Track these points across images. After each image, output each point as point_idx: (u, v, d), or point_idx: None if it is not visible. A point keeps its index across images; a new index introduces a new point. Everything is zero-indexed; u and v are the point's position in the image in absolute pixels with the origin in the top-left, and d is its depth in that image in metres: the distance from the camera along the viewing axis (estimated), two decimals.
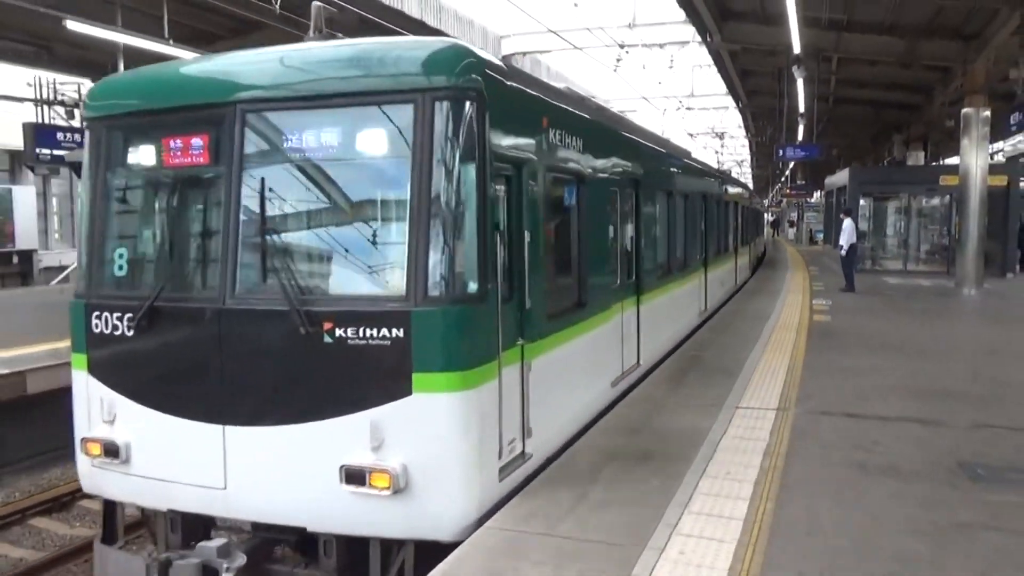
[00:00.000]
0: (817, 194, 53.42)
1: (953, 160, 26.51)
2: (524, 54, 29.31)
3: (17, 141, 21.82)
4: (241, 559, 4.85)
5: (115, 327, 5.47)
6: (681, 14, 21.55)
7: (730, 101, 37.51)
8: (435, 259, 4.81)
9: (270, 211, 5.17)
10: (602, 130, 8.22)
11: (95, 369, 5.60)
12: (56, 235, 32.49)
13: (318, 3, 6.12)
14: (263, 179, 5.14)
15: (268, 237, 5.15)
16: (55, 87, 23.67)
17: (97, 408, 5.55)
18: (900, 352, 11.24)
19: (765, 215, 53.39)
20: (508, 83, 5.61)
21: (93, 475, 5.67)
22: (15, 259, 29.17)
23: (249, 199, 5.16)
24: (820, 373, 9.66)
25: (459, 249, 4.88)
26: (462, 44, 5.28)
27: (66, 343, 5.99)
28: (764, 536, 4.85)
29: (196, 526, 5.46)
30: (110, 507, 5.91)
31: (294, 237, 5.34)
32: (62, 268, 27.20)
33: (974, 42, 19.13)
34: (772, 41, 20.91)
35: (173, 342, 5.33)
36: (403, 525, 4.85)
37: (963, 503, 5.44)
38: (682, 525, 5.00)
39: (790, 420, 7.51)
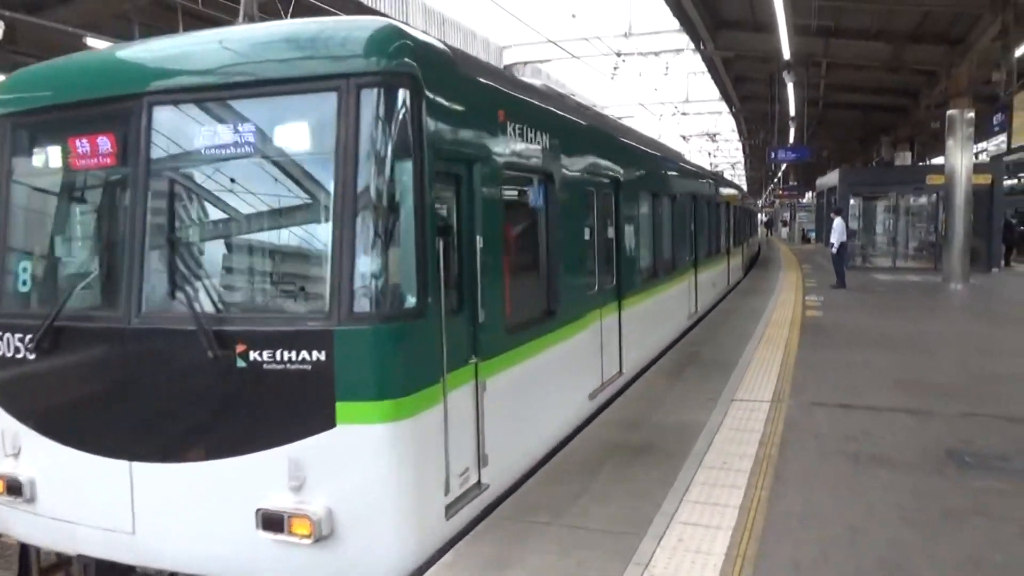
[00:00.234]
0: (809, 195, 53.31)
1: (939, 160, 26.42)
2: (525, 63, 29.33)
3: None
4: None
5: (16, 349, 4.70)
6: (676, 23, 21.58)
7: (724, 106, 37.50)
8: (363, 270, 4.07)
9: (180, 218, 4.50)
10: (576, 128, 7.49)
11: None
12: None
13: None
14: (172, 182, 4.47)
15: (177, 247, 4.47)
16: None
17: (0, 440, 4.81)
18: (890, 345, 11.21)
19: (759, 215, 53.31)
20: (453, 70, 4.88)
21: (1, 513, 4.91)
22: None
23: (156, 205, 4.45)
24: (813, 366, 9.64)
25: (392, 258, 4.15)
26: (395, 24, 4.47)
27: None
28: (759, 523, 4.84)
29: (113, 573, 4.72)
30: (25, 547, 5.15)
31: (206, 247, 4.60)
32: None
33: (958, 47, 19.10)
34: (763, 48, 20.87)
35: (76, 366, 4.58)
36: None
37: (951, 490, 5.43)
38: (680, 513, 4.99)
39: (784, 412, 7.49)
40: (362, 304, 4.06)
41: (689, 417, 7.31)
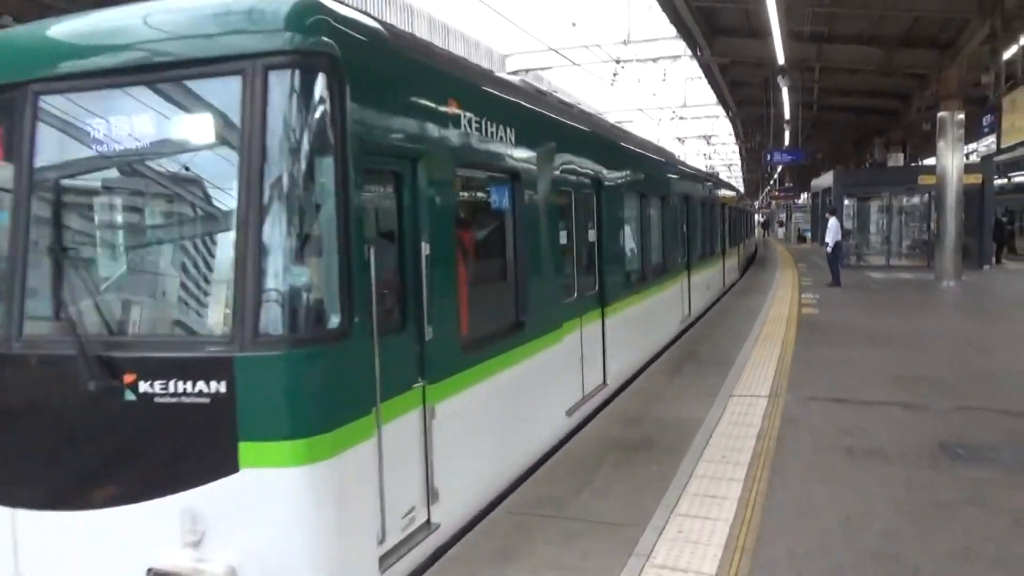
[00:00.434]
0: (804, 196, 53.23)
1: (931, 161, 26.35)
2: (527, 71, 29.34)
3: None
4: None
5: None
6: (673, 30, 21.54)
7: (721, 110, 37.45)
8: (272, 284, 3.39)
9: (67, 227, 3.85)
10: (549, 123, 6.73)
11: None
12: None
13: None
14: (58, 185, 3.81)
15: (63, 261, 3.76)
16: None
17: None
18: (884, 342, 11.18)
19: (756, 216, 53.21)
20: (389, 51, 4.15)
21: None
22: None
23: (41, 212, 3.77)
24: (809, 362, 9.62)
25: (309, 270, 3.48)
26: None
27: None
28: (757, 514, 4.84)
29: None
30: None
31: (96, 259, 3.96)
32: None
33: (948, 51, 19.06)
34: (758, 54, 20.85)
35: None
36: None
37: (944, 481, 5.41)
38: (680, 506, 4.99)
39: (781, 407, 7.48)
40: (270, 325, 3.37)
41: (688, 412, 7.30)
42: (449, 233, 4.65)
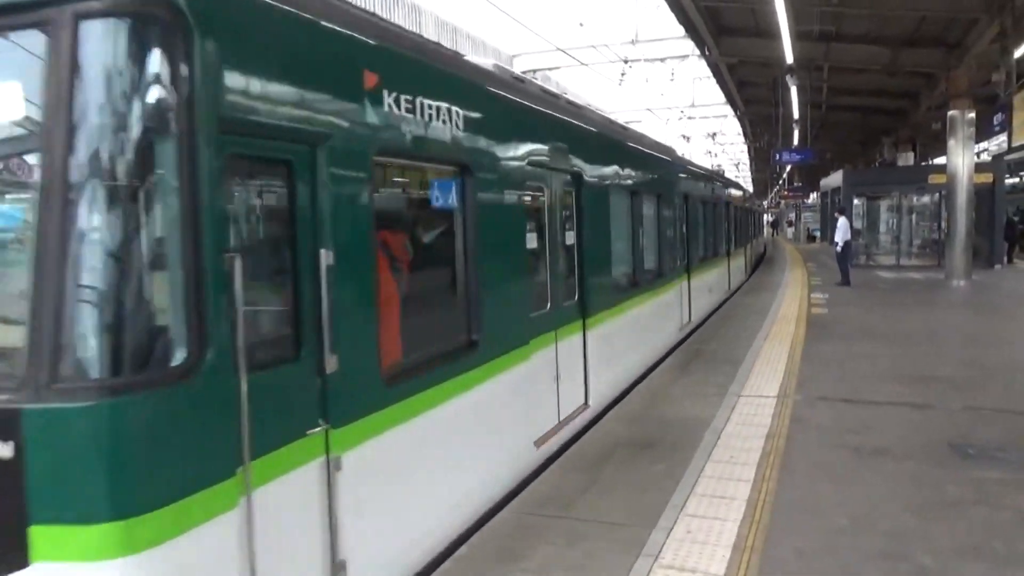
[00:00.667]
0: (813, 195, 53.06)
1: (941, 160, 26.24)
2: (535, 71, 29.35)
3: None
4: None
5: None
6: (681, 30, 21.50)
7: (729, 110, 37.38)
8: (80, 307, 2.51)
9: None
10: (515, 107, 5.86)
11: None
12: None
13: None
14: None
15: None
16: None
17: None
18: (893, 341, 11.13)
19: (765, 216, 53.04)
20: (267, 6, 3.20)
21: None
22: None
23: None
24: (818, 362, 9.59)
25: (135, 286, 2.61)
26: None
27: None
28: (766, 515, 4.83)
29: None
30: None
31: None
32: None
33: (955, 50, 18.97)
34: (766, 53, 20.79)
35: None
36: None
37: (953, 481, 5.39)
38: (688, 506, 4.98)
39: (790, 406, 7.46)
40: (74, 365, 2.48)
41: (696, 412, 7.29)
42: (363, 238, 3.73)
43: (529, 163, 5.90)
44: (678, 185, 12.06)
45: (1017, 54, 16.26)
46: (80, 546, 2.45)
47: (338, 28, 3.68)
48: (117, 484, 2.48)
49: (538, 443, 5.95)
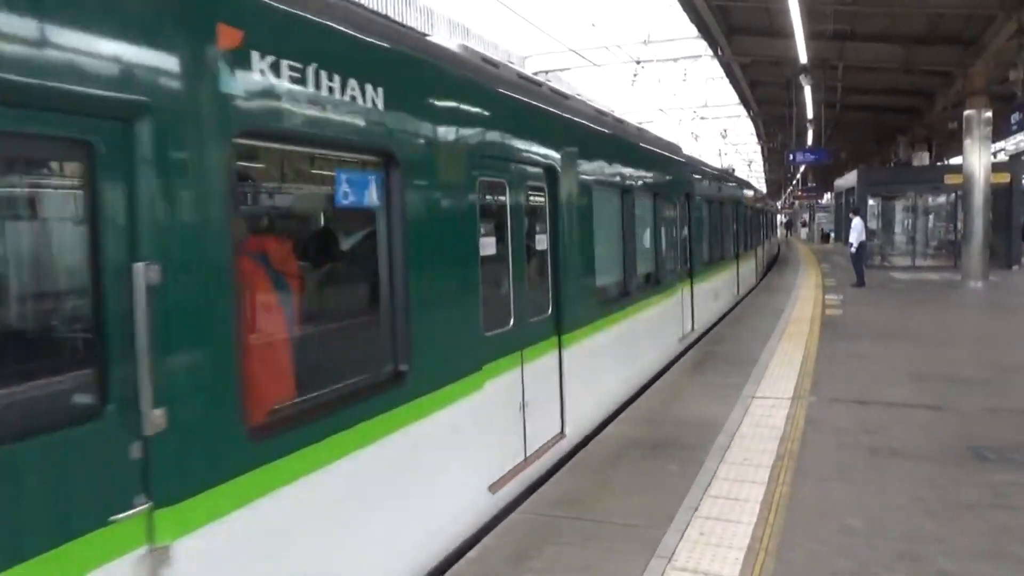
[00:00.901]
0: (827, 195, 52.80)
1: (957, 160, 26.02)
2: (547, 72, 29.36)
3: None
4: None
5: None
6: (693, 30, 21.44)
7: (742, 110, 37.25)
8: None
9: None
10: (464, 89, 4.82)
11: None
12: None
13: None
14: None
15: None
16: None
17: None
18: (909, 342, 11.05)
19: (778, 216, 52.77)
20: None
21: None
22: None
23: None
24: (833, 363, 9.53)
25: None
26: None
27: None
28: (780, 517, 4.80)
29: None
30: None
31: None
32: None
33: (972, 47, 18.82)
34: (779, 53, 20.69)
35: None
36: None
37: (971, 484, 5.34)
38: (702, 508, 4.96)
39: (805, 408, 7.41)
40: None
41: (710, 413, 7.26)
42: (217, 246, 2.88)
43: (484, 155, 5.01)
44: (679, 183, 11.30)
45: None
46: None
47: None
48: None
49: (494, 487, 5.05)
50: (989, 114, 19.17)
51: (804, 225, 63.61)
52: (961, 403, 7.49)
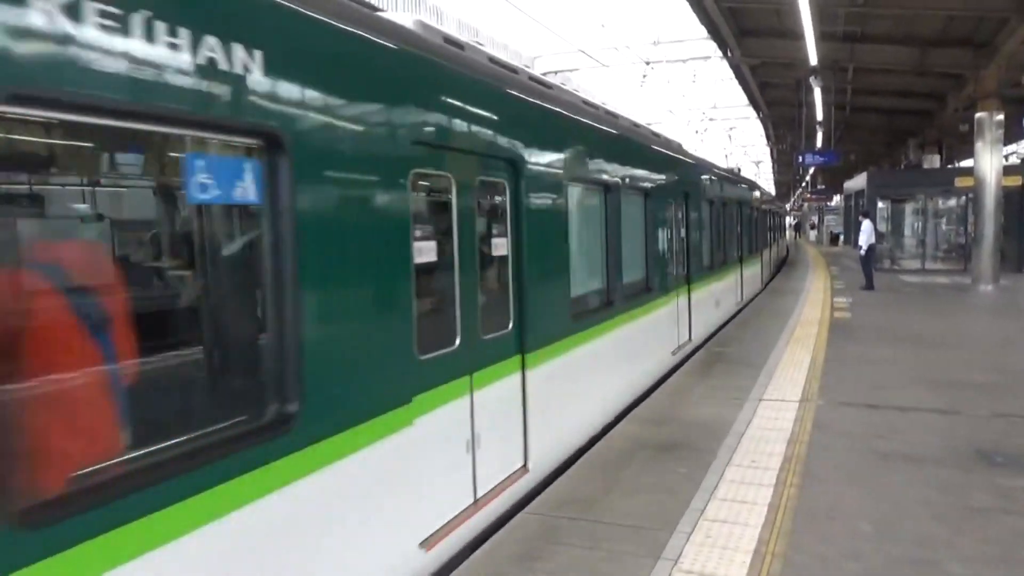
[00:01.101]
0: (837, 198, 52.60)
1: (968, 162, 25.90)
2: (556, 72, 29.34)
3: None
4: None
5: None
6: (703, 31, 21.40)
7: (751, 112, 37.15)
8: None
9: None
10: (390, 61, 3.96)
11: None
12: None
13: None
14: None
15: None
16: None
17: None
18: (918, 345, 10.99)
19: (787, 218, 52.58)
20: None
21: None
22: None
23: None
24: (841, 366, 9.48)
25: None
26: None
27: None
28: (788, 520, 4.77)
29: None
30: None
31: None
32: None
33: (984, 50, 18.72)
34: (789, 55, 20.63)
35: None
36: None
37: (981, 489, 5.29)
38: (709, 511, 4.94)
39: (813, 411, 7.37)
40: None
41: (718, 415, 7.23)
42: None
43: (421, 142, 4.14)
44: (676, 182, 10.45)
45: None
46: None
47: None
48: None
49: (429, 544, 4.18)
50: (1001, 117, 19.07)
51: (813, 227, 63.47)
52: (971, 407, 7.43)
